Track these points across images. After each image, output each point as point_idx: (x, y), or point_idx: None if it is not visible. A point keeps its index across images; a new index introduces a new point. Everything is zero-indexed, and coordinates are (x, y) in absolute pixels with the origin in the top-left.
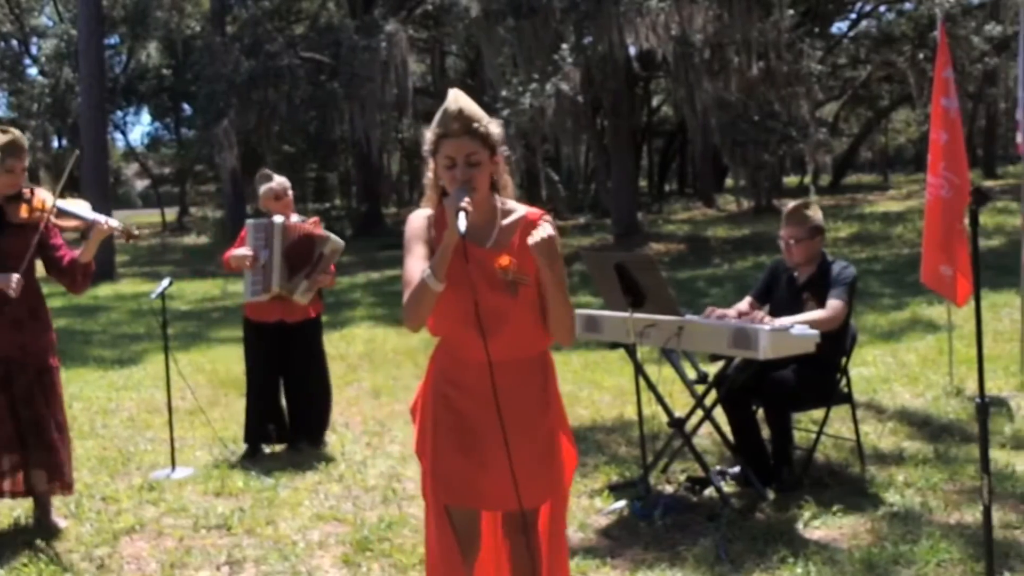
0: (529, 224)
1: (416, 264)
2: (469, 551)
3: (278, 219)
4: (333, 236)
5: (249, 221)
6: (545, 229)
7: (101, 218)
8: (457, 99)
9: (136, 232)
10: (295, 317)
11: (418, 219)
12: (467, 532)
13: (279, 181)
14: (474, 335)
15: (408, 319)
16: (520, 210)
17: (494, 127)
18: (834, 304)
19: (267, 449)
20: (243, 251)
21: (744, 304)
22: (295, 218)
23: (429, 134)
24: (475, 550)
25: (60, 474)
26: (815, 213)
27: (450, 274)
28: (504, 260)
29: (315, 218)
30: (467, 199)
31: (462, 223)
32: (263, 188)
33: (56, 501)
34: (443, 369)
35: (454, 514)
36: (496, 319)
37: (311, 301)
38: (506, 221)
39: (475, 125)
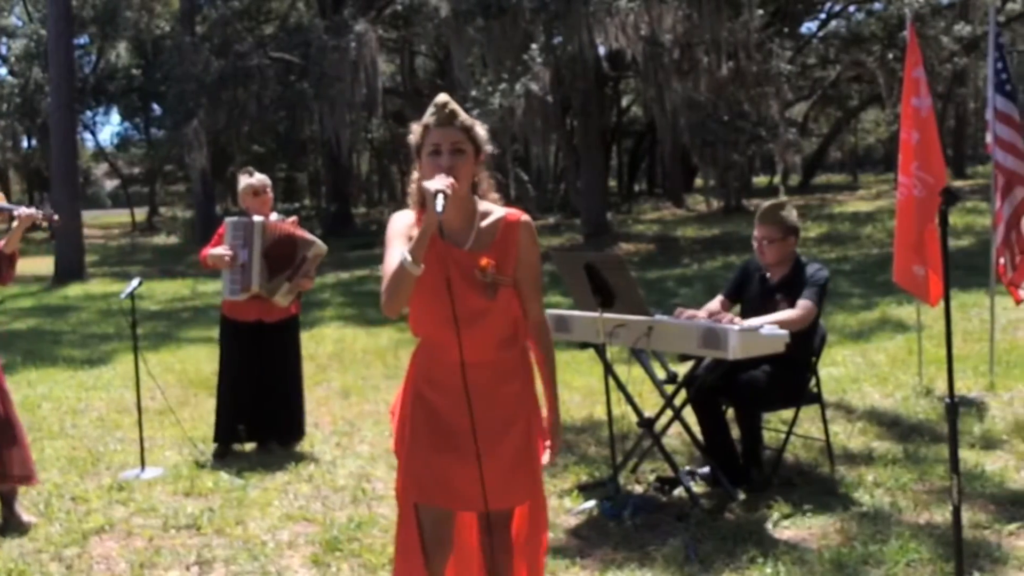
0: (509, 225)
1: (395, 256)
2: (438, 552)
3: (258, 218)
4: (317, 240)
5: (228, 219)
6: None
7: (20, 208)
8: (445, 95)
9: (56, 217)
10: (273, 316)
11: (401, 218)
12: (437, 532)
13: (259, 177)
14: (451, 335)
15: (386, 304)
16: (499, 211)
17: (479, 127)
18: (804, 304)
19: (236, 448)
20: (221, 250)
21: (715, 303)
22: (274, 216)
23: (416, 127)
24: (445, 551)
25: (12, 468)
26: (790, 213)
27: (430, 275)
28: (483, 261)
29: (294, 218)
30: (448, 182)
31: (439, 203)
32: (242, 184)
33: (25, 501)
34: (422, 369)
35: (425, 513)
36: (473, 320)
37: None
38: (485, 222)
39: (462, 117)
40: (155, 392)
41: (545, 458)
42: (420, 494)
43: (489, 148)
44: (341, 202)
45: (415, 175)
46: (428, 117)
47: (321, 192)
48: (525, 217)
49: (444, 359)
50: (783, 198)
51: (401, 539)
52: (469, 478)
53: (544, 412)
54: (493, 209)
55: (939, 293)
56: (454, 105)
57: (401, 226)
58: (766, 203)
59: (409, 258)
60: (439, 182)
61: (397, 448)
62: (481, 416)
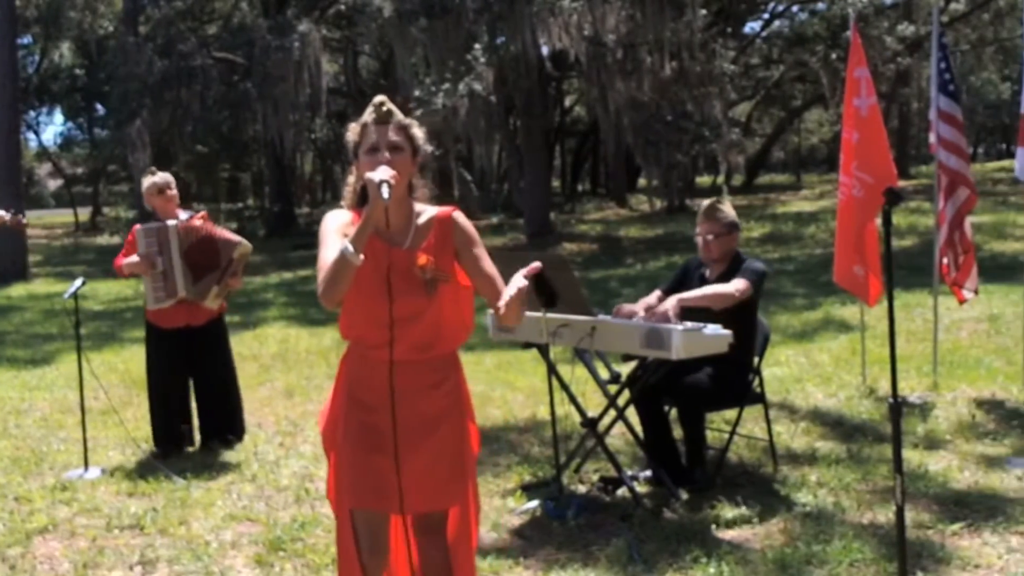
0: (442, 221)
1: (332, 251)
2: (375, 555)
3: (171, 222)
4: (241, 239)
5: (138, 226)
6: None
7: None
8: (383, 96)
9: (24, 220)
10: (201, 319)
11: (337, 216)
12: (372, 537)
13: (162, 176)
14: (383, 335)
15: (324, 294)
16: (431, 210)
17: (417, 127)
18: (739, 282)
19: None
20: (135, 258)
21: (652, 297)
22: (182, 215)
23: (354, 125)
24: (381, 556)
25: None
26: (730, 209)
27: (368, 275)
28: (423, 259)
29: (203, 212)
30: (391, 173)
31: (385, 191)
32: (146, 183)
33: None
34: (352, 371)
35: (360, 518)
36: (411, 319)
37: None
38: (420, 221)
39: (399, 116)
40: (98, 392)
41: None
42: (354, 499)
43: (427, 149)
44: (284, 202)
45: (351, 178)
46: (366, 116)
47: (264, 192)
48: (456, 211)
49: (377, 359)
50: (725, 198)
51: (340, 544)
52: (402, 480)
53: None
54: (425, 208)
55: (877, 293)
56: (391, 105)
57: (337, 224)
58: (706, 202)
59: (351, 248)
60: (382, 172)
61: (327, 449)
62: (411, 415)
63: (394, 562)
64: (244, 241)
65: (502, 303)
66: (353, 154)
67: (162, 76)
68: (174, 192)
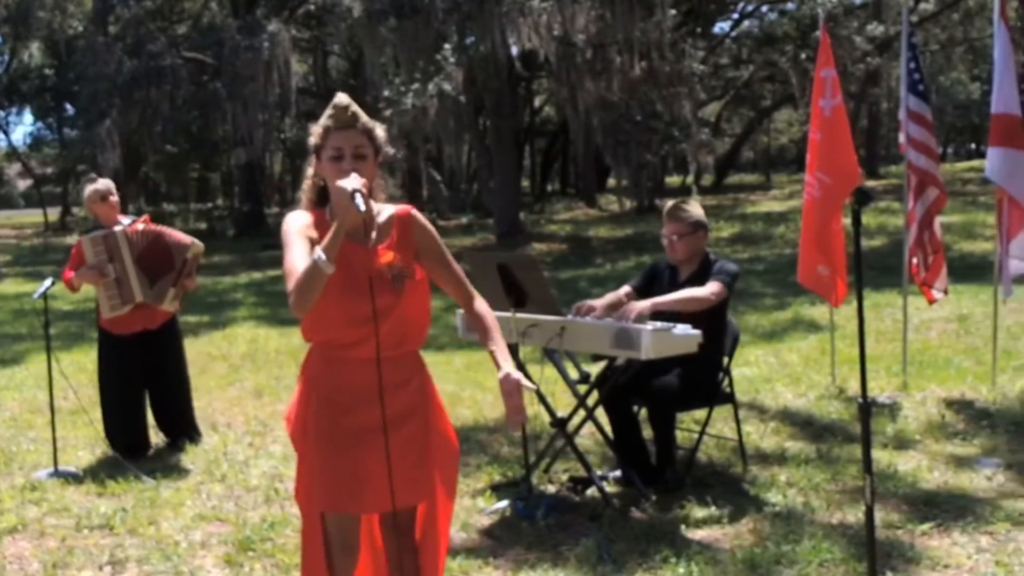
0: (403, 219)
1: (298, 255)
2: (347, 555)
3: (118, 228)
4: (193, 239)
5: (83, 236)
6: None
7: None
8: (346, 97)
9: None
10: (157, 323)
11: (298, 217)
12: (344, 539)
13: (103, 182)
14: (360, 333)
15: (296, 304)
16: (388, 208)
17: (379, 129)
18: (713, 285)
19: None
20: (85, 270)
21: (621, 292)
22: (125, 220)
23: (316, 128)
24: (352, 558)
25: None
26: (695, 208)
27: (337, 278)
28: (389, 256)
29: (145, 216)
30: (362, 181)
31: (360, 202)
32: (88, 189)
33: None
34: (319, 373)
35: (331, 521)
36: (382, 316)
37: None
38: (380, 220)
39: (363, 120)
40: (68, 392)
41: (507, 421)
42: (327, 503)
43: (389, 150)
44: (254, 202)
45: (309, 173)
46: (328, 119)
47: (234, 192)
48: (414, 209)
49: (347, 358)
50: (694, 197)
51: (305, 547)
52: (374, 479)
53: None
54: (383, 208)
55: (842, 294)
56: (355, 107)
57: (300, 225)
58: (670, 202)
59: (323, 257)
60: (353, 182)
61: (298, 451)
62: (389, 412)
63: (364, 564)
64: (196, 241)
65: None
66: (314, 154)
67: (132, 76)
68: (116, 199)
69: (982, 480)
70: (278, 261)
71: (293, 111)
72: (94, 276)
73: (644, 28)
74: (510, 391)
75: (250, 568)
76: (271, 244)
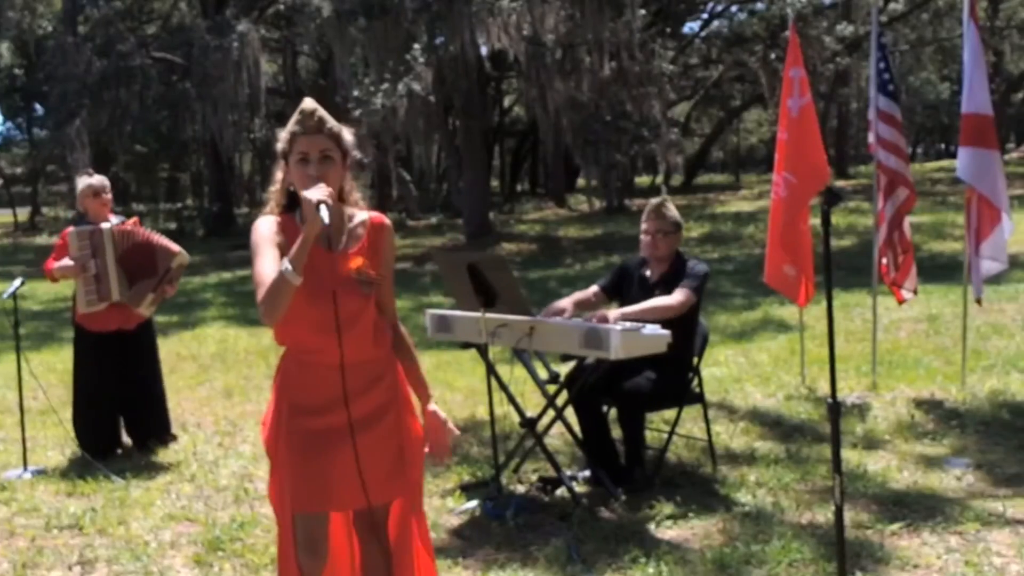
0: (376, 227)
1: (267, 264)
2: (313, 558)
3: (106, 225)
4: (180, 249)
5: (71, 229)
6: None
7: None
8: (311, 102)
9: None
10: (132, 323)
11: (266, 224)
12: (312, 539)
13: (99, 178)
14: (326, 339)
15: (266, 315)
16: (362, 214)
17: (346, 132)
18: (683, 291)
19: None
20: (66, 262)
21: (589, 292)
22: (114, 219)
23: (283, 133)
24: (321, 558)
25: None
26: (675, 209)
27: (306, 281)
28: (358, 261)
29: (135, 218)
30: (328, 191)
31: (324, 213)
32: (82, 184)
33: None
34: (291, 377)
35: (300, 521)
36: (352, 321)
37: None
38: (351, 224)
39: (329, 124)
40: (37, 392)
41: (430, 454)
42: (295, 504)
43: (356, 154)
44: (223, 202)
45: (277, 179)
46: (294, 124)
47: (203, 192)
48: (387, 220)
49: (317, 362)
50: (664, 198)
51: (280, 551)
52: (345, 477)
53: (419, 411)
54: (356, 212)
55: (809, 294)
56: (322, 112)
57: (267, 232)
58: (654, 200)
59: (290, 268)
60: (319, 192)
61: (271, 456)
62: (357, 415)
63: (337, 564)
64: (183, 251)
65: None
66: (282, 158)
67: (101, 76)
68: (109, 196)
69: (951, 480)
70: (247, 261)
71: (263, 111)
72: (75, 270)
73: (613, 28)
74: (437, 427)
75: (219, 568)
76: (241, 244)
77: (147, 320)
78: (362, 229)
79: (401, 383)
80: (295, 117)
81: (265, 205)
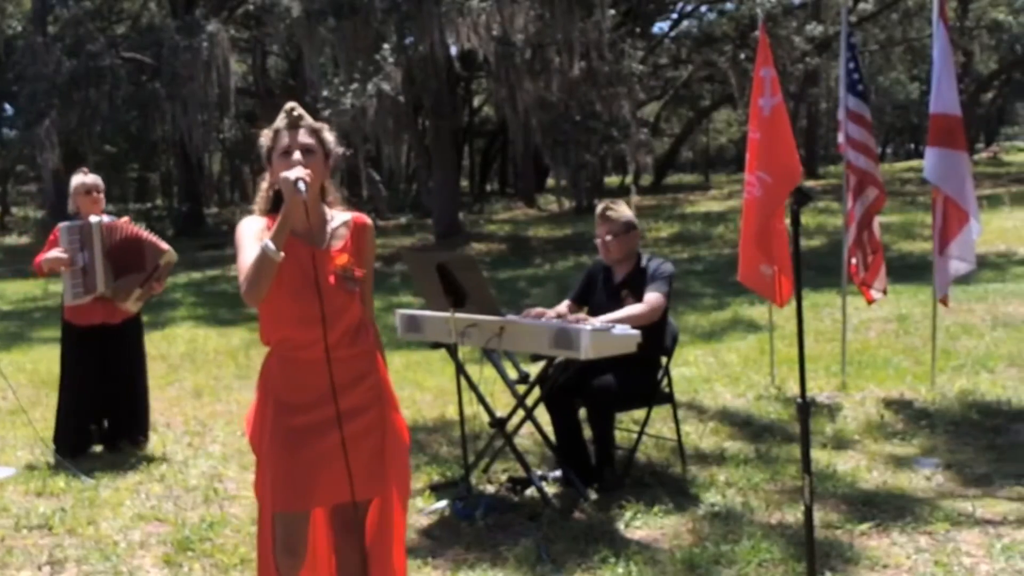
0: (359, 226)
1: (251, 255)
2: (290, 556)
3: (94, 219)
4: (167, 246)
5: (62, 224)
6: None
7: None
8: (293, 102)
9: None
10: (117, 318)
11: (252, 222)
12: (290, 537)
13: (92, 177)
14: (311, 333)
15: (247, 292)
16: (344, 214)
17: (328, 131)
18: (651, 298)
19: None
20: (55, 253)
21: (563, 307)
22: (105, 218)
23: (267, 132)
24: (299, 557)
25: None
26: (625, 209)
27: (290, 276)
28: (343, 258)
29: (126, 217)
30: (306, 172)
31: (302, 186)
32: (75, 182)
33: None
34: (276, 373)
35: (279, 520)
36: (337, 316)
37: None
38: (335, 223)
39: (309, 120)
40: (6, 392)
41: None
42: (276, 503)
43: (338, 151)
44: (193, 202)
45: (264, 183)
46: (278, 122)
47: (173, 192)
48: (369, 220)
49: (304, 358)
50: (633, 198)
51: (261, 547)
52: (330, 472)
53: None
54: (337, 213)
55: (787, 293)
56: (302, 110)
57: (255, 229)
58: (601, 203)
59: (272, 246)
60: (297, 171)
61: (256, 452)
62: (343, 408)
63: (317, 564)
64: (171, 249)
65: None
66: (266, 159)
67: (71, 76)
68: (101, 196)
69: (921, 480)
70: (218, 261)
71: (232, 111)
72: (63, 262)
73: (583, 28)
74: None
75: (189, 568)
76: (210, 244)
77: (133, 317)
78: (345, 228)
79: (385, 380)
80: (279, 116)
81: (236, 205)
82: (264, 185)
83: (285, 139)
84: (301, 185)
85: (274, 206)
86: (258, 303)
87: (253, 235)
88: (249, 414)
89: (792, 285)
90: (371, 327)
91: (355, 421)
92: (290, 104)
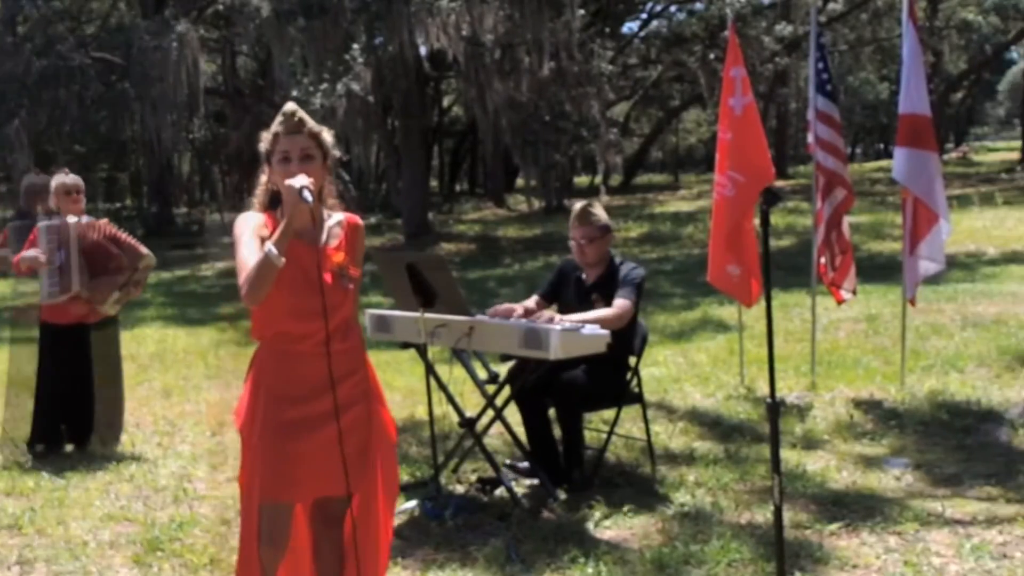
0: (353, 226)
1: (250, 251)
2: (273, 548)
3: (72, 219)
4: (148, 251)
5: (41, 223)
6: None
7: None
8: (293, 104)
9: None
10: (94, 318)
11: (251, 217)
12: (275, 528)
13: (73, 178)
14: (309, 325)
15: (248, 295)
16: (339, 214)
17: (327, 133)
18: (620, 303)
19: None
20: (33, 253)
21: (531, 302)
22: (84, 219)
23: (266, 134)
24: (281, 548)
25: None
26: (602, 212)
27: (289, 275)
28: (340, 256)
29: (104, 220)
30: (309, 180)
31: (308, 195)
32: (56, 182)
33: None
34: (270, 368)
35: (265, 511)
36: (331, 310)
37: None
38: (330, 223)
39: (310, 124)
40: None
41: None
42: (263, 494)
43: (336, 153)
44: (162, 202)
45: (263, 179)
46: (277, 126)
47: (143, 192)
48: (361, 221)
49: (301, 352)
50: (603, 198)
51: (243, 538)
52: (321, 464)
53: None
54: (332, 213)
55: (756, 293)
56: (302, 114)
57: (252, 225)
58: (577, 205)
59: (275, 251)
60: (301, 179)
61: (245, 444)
62: (323, 403)
63: (297, 559)
64: (149, 253)
65: None
66: (265, 160)
67: (40, 76)
68: (81, 196)
69: (890, 480)
70: (187, 261)
71: (202, 111)
72: (39, 261)
73: (553, 28)
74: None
75: (158, 568)
76: (180, 244)
77: (110, 318)
78: (340, 228)
79: (372, 376)
80: (278, 118)
81: (206, 205)
82: (263, 179)
83: (284, 144)
84: (307, 194)
85: (272, 203)
86: (257, 304)
87: (251, 231)
88: (240, 406)
89: (760, 285)
90: (358, 325)
91: (344, 416)
92: (291, 107)
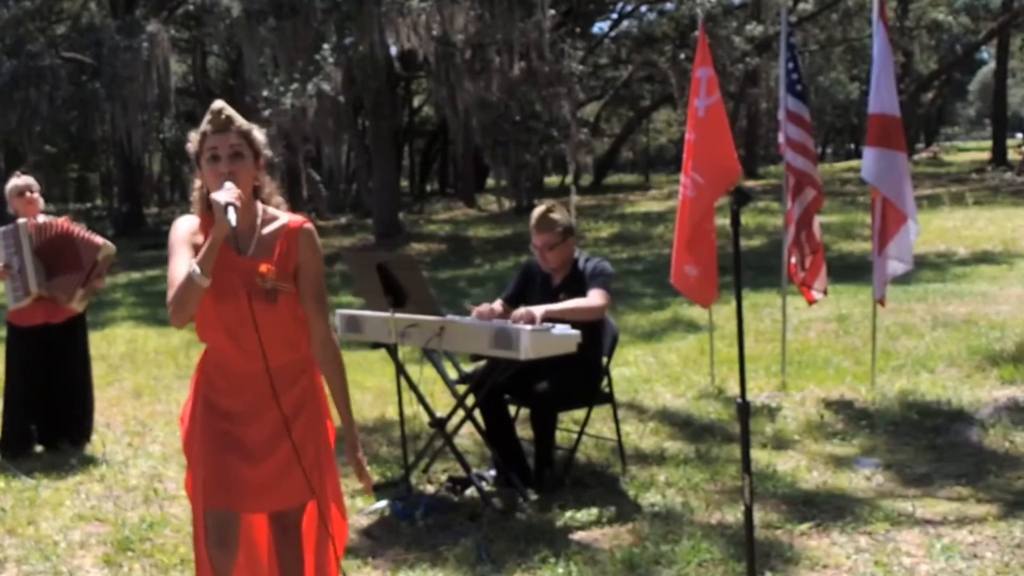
0: (290, 232)
1: (181, 265)
2: (222, 550)
3: (21, 220)
4: (105, 241)
5: None
6: None
7: None
8: (220, 102)
9: None
10: (60, 317)
11: (184, 224)
12: (222, 532)
13: (25, 179)
14: (233, 345)
15: (174, 315)
16: (283, 217)
17: (257, 131)
18: (597, 294)
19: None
20: None
21: (496, 305)
22: (42, 219)
23: (194, 135)
24: (231, 551)
25: None
26: (561, 215)
27: (213, 283)
28: (264, 268)
29: (65, 217)
30: (236, 193)
31: (232, 216)
32: (9, 184)
33: None
34: (208, 374)
35: (211, 515)
36: (260, 326)
37: None
38: (267, 229)
39: (238, 122)
40: None
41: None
42: (205, 499)
43: (268, 152)
44: (133, 202)
45: (197, 183)
46: (205, 124)
47: (113, 192)
48: (307, 224)
49: (227, 367)
50: (573, 198)
51: (197, 544)
52: (256, 481)
53: (335, 420)
54: (277, 215)
55: (711, 294)
56: (230, 111)
57: (185, 232)
58: (536, 210)
59: (198, 270)
60: (227, 194)
61: (187, 452)
62: (264, 419)
63: (249, 564)
64: (108, 243)
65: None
66: (195, 161)
67: (11, 76)
68: (35, 195)
69: (861, 480)
70: (157, 261)
71: (172, 111)
72: (2, 271)
73: (523, 28)
74: (360, 462)
75: (129, 568)
76: (150, 244)
77: (76, 316)
78: (277, 234)
79: (316, 387)
80: (205, 117)
81: (176, 205)
82: (197, 183)
83: (212, 143)
84: (232, 214)
85: (208, 205)
86: (184, 324)
87: (183, 240)
88: (183, 412)
89: (716, 287)
90: (305, 338)
91: (275, 431)
92: (217, 105)
